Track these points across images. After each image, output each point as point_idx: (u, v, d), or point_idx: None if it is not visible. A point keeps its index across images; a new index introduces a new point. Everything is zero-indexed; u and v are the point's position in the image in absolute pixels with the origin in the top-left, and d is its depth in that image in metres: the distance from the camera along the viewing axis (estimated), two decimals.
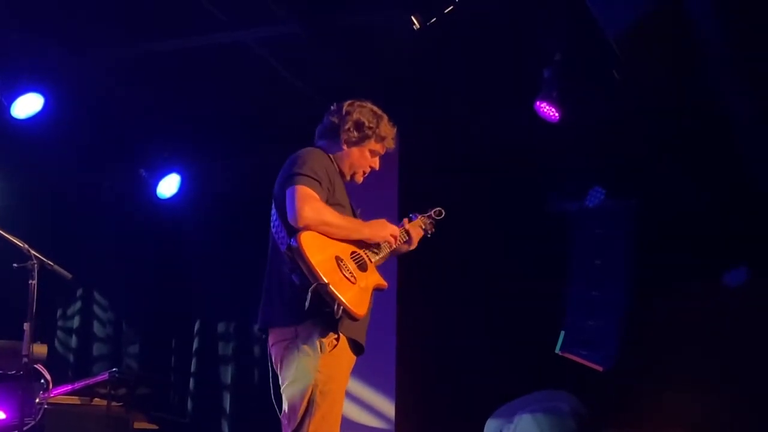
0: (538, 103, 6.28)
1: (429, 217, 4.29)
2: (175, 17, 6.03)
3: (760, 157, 6.46)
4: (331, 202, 3.86)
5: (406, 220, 4.21)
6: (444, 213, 4.31)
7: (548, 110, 6.30)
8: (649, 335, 7.04)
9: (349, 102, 4.10)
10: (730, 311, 6.98)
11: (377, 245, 3.97)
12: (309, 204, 3.71)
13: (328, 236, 3.75)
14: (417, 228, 4.20)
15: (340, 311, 3.61)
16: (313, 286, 3.56)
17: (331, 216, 3.76)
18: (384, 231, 3.99)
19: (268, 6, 5.78)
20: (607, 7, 4.93)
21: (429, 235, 4.27)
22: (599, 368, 6.94)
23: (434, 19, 5.42)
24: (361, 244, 3.92)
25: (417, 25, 5.45)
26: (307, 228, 3.69)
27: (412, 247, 4.17)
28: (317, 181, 3.80)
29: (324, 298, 3.59)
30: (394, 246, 4.03)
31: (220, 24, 6.02)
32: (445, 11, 5.39)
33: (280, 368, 3.80)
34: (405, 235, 4.14)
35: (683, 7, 4.97)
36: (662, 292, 7.08)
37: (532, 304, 7.07)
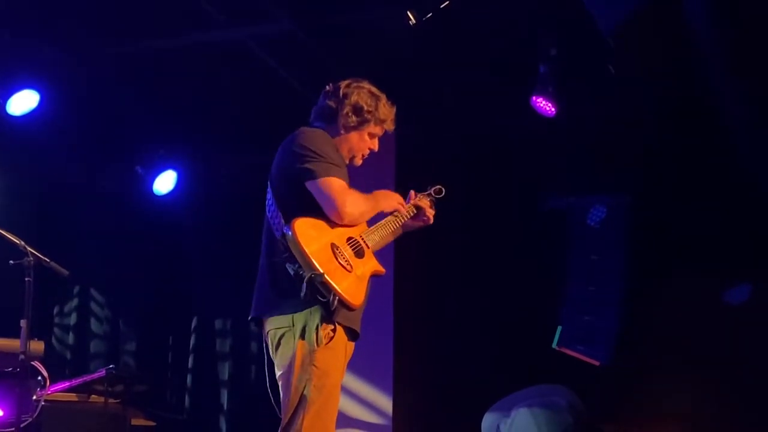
0: (534, 98, 6.29)
1: (428, 195, 4.17)
2: (171, 15, 6.03)
3: (756, 153, 6.46)
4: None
5: (412, 192, 4.12)
6: (444, 191, 4.18)
7: (544, 105, 6.31)
8: (646, 330, 7.04)
9: (346, 83, 3.97)
10: (730, 307, 6.98)
11: (375, 227, 3.90)
12: (348, 198, 3.69)
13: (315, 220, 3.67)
14: (425, 202, 4.10)
15: (336, 302, 3.54)
16: (307, 276, 3.49)
17: (364, 204, 3.78)
18: (394, 200, 3.97)
19: (264, 4, 5.78)
20: (603, 1, 4.93)
21: None
22: (596, 363, 6.94)
23: (430, 15, 5.41)
24: (358, 227, 3.84)
25: (413, 21, 5.45)
26: (352, 221, 3.71)
27: (430, 222, 4.09)
28: (338, 166, 3.74)
29: (319, 289, 3.52)
30: (402, 220, 3.97)
31: (217, 22, 6.03)
32: (441, 6, 5.39)
33: (276, 356, 3.70)
34: (413, 209, 4.06)
35: (679, 2, 4.97)
36: (659, 287, 7.08)
37: (529, 299, 7.07)
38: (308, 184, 3.69)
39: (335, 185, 3.68)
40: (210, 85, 6.96)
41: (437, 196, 4.19)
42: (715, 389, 6.79)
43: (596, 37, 5.32)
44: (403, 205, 4.00)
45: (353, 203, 3.70)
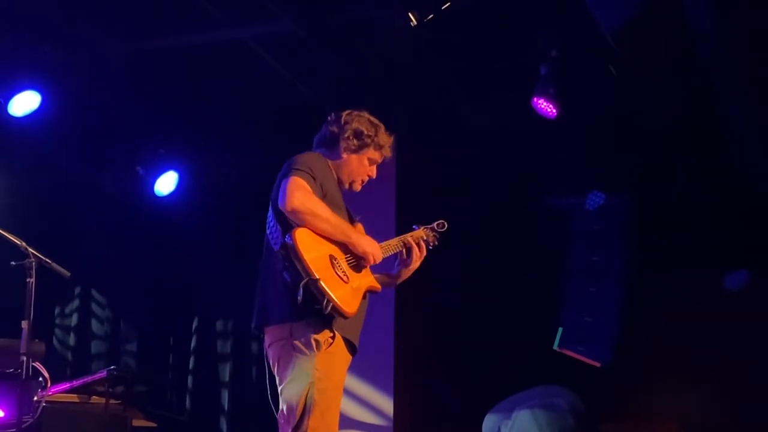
0: (535, 99, 6.29)
1: (432, 229, 4.29)
2: (172, 15, 6.03)
3: (757, 153, 6.47)
4: (327, 203, 3.87)
5: (408, 235, 4.18)
6: (447, 225, 4.31)
7: (546, 106, 6.30)
8: (646, 331, 7.05)
9: (347, 112, 4.16)
10: (729, 307, 6.99)
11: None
12: (300, 191, 3.75)
13: (318, 233, 3.76)
14: (419, 245, 4.15)
15: (329, 307, 3.61)
16: (304, 281, 3.58)
17: (320, 208, 3.78)
18: (368, 247, 3.91)
19: (265, 4, 5.78)
20: (604, 2, 4.94)
21: (431, 247, 4.27)
22: (597, 364, 6.94)
23: (431, 16, 5.42)
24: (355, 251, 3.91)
25: (414, 22, 5.45)
26: (294, 212, 3.72)
27: (414, 266, 4.14)
28: (311, 176, 3.84)
29: (314, 294, 3.59)
30: (369, 263, 3.94)
31: (217, 22, 6.03)
32: (442, 7, 5.39)
33: (277, 369, 3.80)
34: (400, 244, 4.11)
35: (680, 3, 4.97)
36: (660, 287, 7.08)
37: (530, 300, 7.08)
38: (281, 185, 3.82)
39: (293, 181, 3.78)
40: (211, 85, 6.96)
41: (440, 230, 4.31)
42: (714, 389, 6.80)
43: (597, 38, 5.32)
44: (374, 258, 3.91)
45: (303, 198, 3.73)
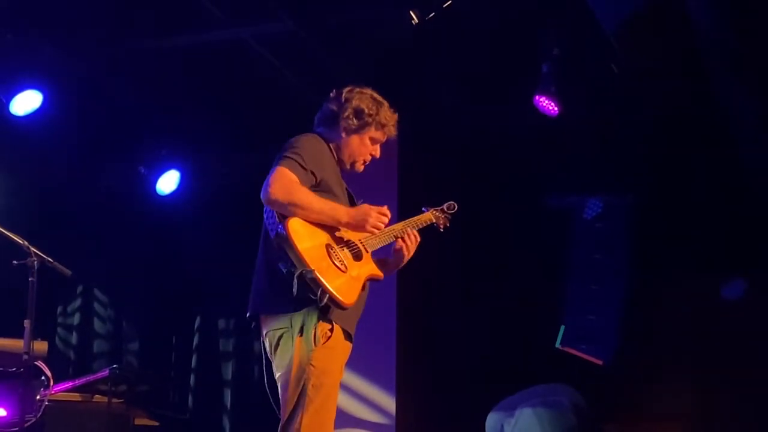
0: (537, 97, 6.30)
1: (441, 210, 4.15)
2: (173, 14, 6.04)
3: (758, 152, 6.47)
4: (322, 189, 3.77)
5: (414, 219, 4.03)
6: (456, 207, 4.17)
7: (547, 105, 6.31)
8: (649, 329, 7.05)
9: (348, 88, 3.99)
10: (730, 306, 6.99)
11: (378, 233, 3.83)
12: (280, 182, 3.62)
13: (311, 222, 3.65)
14: (409, 236, 3.96)
15: (326, 299, 3.53)
16: (298, 272, 3.49)
17: (302, 198, 3.63)
18: (362, 218, 3.75)
19: (266, 4, 5.79)
20: (605, 1, 4.94)
21: (442, 230, 4.15)
22: (599, 362, 6.95)
23: (433, 14, 5.42)
24: (359, 233, 3.81)
25: (416, 20, 5.45)
26: (273, 204, 3.62)
27: (408, 256, 3.97)
28: (301, 166, 3.69)
29: (309, 285, 3.51)
30: (376, 232, 3.81)
31: (218, 21, 6.04)
32: (444, 5, 5.39)
33: (274, 356, 3.73)
34: (395, 235, 3.93)
35: (680, 1, 4.97)
36: (662, 286, 7.08)
37: (533, 298, 7.08)
38: None
39: (278, 171, 3.65)
40: (212, 84, 6.97)
41: (450, 212, 4.17)
42: (715, 389, 6.80)
43: (599, 36, 5.33)
44: (377, 228, 3.78)
45: (281, 189, 3.60)
